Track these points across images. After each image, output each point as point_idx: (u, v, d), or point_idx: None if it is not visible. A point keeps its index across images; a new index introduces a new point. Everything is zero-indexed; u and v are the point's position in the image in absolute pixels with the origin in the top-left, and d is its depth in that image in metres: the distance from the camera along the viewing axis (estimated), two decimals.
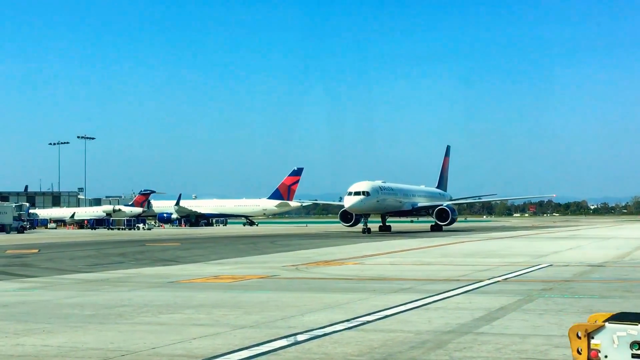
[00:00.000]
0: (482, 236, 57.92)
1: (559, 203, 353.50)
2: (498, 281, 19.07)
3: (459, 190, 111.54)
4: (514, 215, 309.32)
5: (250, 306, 14.38)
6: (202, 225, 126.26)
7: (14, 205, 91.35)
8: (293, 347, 9.88)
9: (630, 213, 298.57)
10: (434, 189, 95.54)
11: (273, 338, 10.46)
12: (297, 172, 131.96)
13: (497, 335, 10.49)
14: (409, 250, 37.18)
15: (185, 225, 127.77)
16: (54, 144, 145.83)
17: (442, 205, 79.97)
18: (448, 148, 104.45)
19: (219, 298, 16.04)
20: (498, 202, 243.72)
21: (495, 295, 15.58)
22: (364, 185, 70.99)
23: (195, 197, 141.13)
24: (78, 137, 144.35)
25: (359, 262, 28.03)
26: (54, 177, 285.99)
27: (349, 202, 69.72)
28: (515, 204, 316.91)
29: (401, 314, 12.93)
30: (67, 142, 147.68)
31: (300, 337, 10.50)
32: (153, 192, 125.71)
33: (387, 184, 77.14)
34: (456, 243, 44.79)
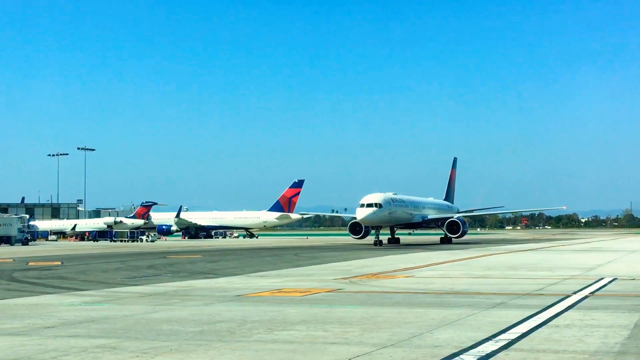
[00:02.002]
0: (501, 249, 57.15)
1: (550, 216, 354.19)
2: (587, 296, 18.33)
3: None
4: (506, 228, 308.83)
5: (358, 322, 13.59)
6: (201, 238, 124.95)
7: (17, 216, 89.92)
8: None
9: (622, 226, 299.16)
10: (442, 201, 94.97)
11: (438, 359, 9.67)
12: (298, 184, 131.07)
13: None
14: (444, 263, 36.34)
15: (184, 238, 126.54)
16: (53, 155, 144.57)
17: (452, 217, 79.32)
18: (455, 160, 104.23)
19: (313, 313, 15.22)
20: (489, 215, 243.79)
21: (609, 312, 14.85)
22: (376, 197, 70.20)
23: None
24: (78, 148, 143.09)
25: (410, 275, 27.23)
26: (51, 189, 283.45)
27: (361, 214, 68.89)
28: (507, 216, 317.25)
29: (535, 332, 12.15)
30: (67, 154, 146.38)
31: (467, 359, 9.71)
32: (155, 204, 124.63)
33: (398, 196, 76.33)
34: (484, 256, 44.03)
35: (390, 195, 73.86)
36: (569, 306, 15.89)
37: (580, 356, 9.87)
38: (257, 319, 14.37)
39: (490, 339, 11.29)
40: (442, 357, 9.80)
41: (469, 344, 10.81)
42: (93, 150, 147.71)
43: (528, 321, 13.38)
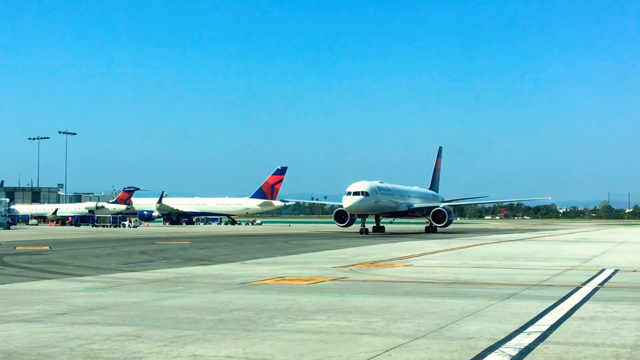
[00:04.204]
0: (489, 238, 57.23)
1: (529, 206, 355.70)
2: (597, 288, 18.19)
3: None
4: (486, 217, 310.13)
5: (378, 312, 13.36)
6: (182, 224, 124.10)
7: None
8: None
9: (600, 217, 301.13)
10: (427, 190, 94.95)
11: (479, 352, 9.44)
12: (281, 171, 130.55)
13: None
14: (438, 252, 36.21)
15: (165, 224, 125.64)
16: (34, 138, 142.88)
17: (438, 206, 79.36)
18: (440, 149, 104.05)
19: (328, 302, 14.96)
20: (472, 205, 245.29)
21: (628, 304, 14.73)
22: (363, 185, 69.98)
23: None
24: (60, 132, 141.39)
25: (408, 264, 27.05)
26: (31, 172, 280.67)
27: (348, 202, 68.70)
28: (487, 206, 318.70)
29: (563, 324, 11.96)
30: (48, 138, 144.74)
31: (509, 352, 9.48)
32: (137, 189, 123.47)
33: (385, 184, 76.27)
34: (475, 245, 43.97)
35: (376, 183, 73.75)
36: (584, 298, 15.73)
37: (621, 350, 9.68)
38: (272, 307, 14.09)
39: (521, 331, 11.09)
40: (482, 350, 9.57)
41: (502, 336, 10.60)
42: (74, 134, 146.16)
43: (550, 313, 13.21)
